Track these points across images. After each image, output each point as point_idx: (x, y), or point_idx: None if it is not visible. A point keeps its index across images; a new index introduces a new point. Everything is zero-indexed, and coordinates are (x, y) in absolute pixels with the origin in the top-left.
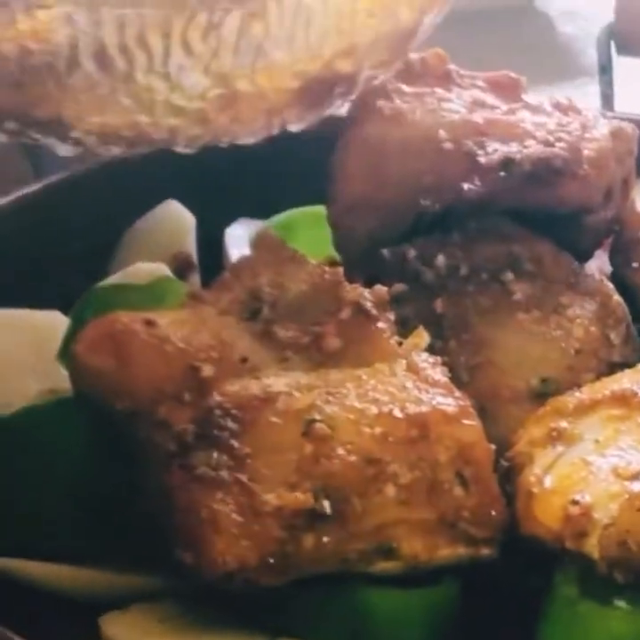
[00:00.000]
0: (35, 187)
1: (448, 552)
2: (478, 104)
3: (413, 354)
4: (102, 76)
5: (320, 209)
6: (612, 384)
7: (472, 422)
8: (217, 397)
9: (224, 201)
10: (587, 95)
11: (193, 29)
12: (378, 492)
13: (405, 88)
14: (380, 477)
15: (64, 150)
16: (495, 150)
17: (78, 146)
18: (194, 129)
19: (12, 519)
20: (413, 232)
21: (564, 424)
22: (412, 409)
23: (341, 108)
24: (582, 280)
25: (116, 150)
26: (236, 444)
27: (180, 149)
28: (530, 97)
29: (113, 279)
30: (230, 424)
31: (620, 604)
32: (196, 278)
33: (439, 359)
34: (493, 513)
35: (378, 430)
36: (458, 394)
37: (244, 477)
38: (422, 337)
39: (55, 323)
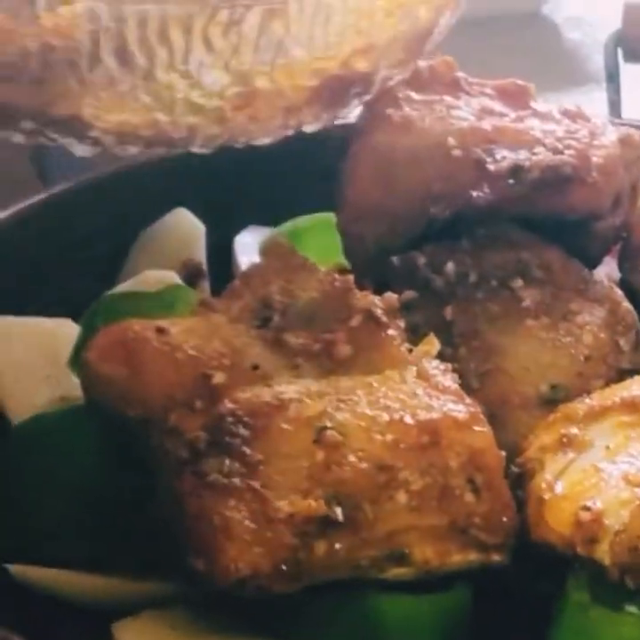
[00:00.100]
0: (41, 196)
1: (459, 558)
2: (487, 111)
3: (424, 361)
4: (123, 73)
5: (329, 216)
6: (621, 391)
7: (483, 429)
8: (228, 404)
9: (233, 208)
10: (593, 102)
11: (214, 26)
12: (389, 499)
13: (414, 95)
14: (391, 484)
15: (81, 150)
16: (504, 157)
17: (96, 145)
18: (212, 128)
19: (23, 526)
20: (423, 239)
21: (574, 430)
22: (423, 416)
23: (352, 114)
24: (591, 287)
25: (133, 150)
26: (247, 450)
27: (196, 149)
28: (538, 104)
29: (123, 287)
30: (242, 431)
31: (632, 609)
32: (205, 286)
33: (449, 366)
34: (504, 519)
35: (389, 437)
36: (468, 400)
37: (256, 484)
38: (432, 344)
39: (66, 331)
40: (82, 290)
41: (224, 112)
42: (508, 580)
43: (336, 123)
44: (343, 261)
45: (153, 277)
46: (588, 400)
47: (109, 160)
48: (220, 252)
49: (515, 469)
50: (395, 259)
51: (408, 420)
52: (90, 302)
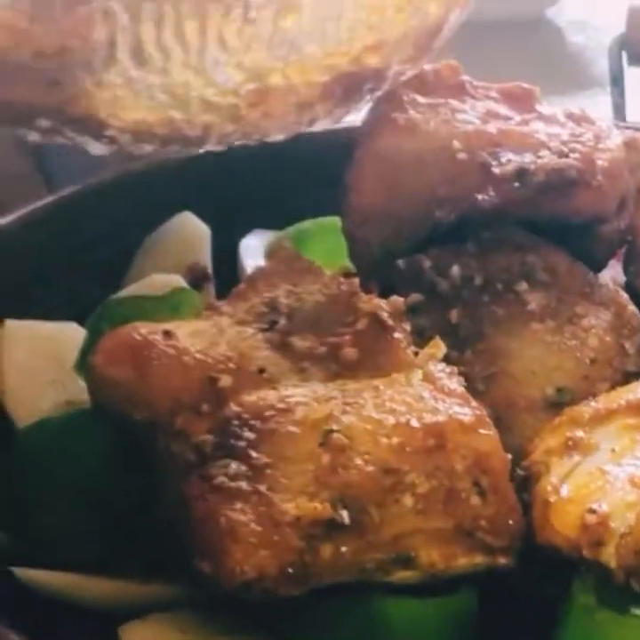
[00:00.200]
0: (47, 200)
1: (465, 561)
2: (492, 115)
3: (429, 364)
4: (139, 72)
5: (335, 220)
6: (627, 393)
7: (488, 432)
8: (235, 408)
9: (238, 212)
10: (598, 105)
11: (228, 23)
12: (395, 502)
13: (419, 99)
14: (397, 487)
15: (97, 148)
16: (509, 161)
17: (112, 144)
18: (226, 125)
19: (29, 529)
20: (428, 242)
21: (580, 433)
22: (429, 419)
23: (357, 118)
24: (597, 290)
25: (148, 148)
26: (254, 454)
27: (211, 147)
28: (543, 107)
29: (129, 290)
30: (248, 434)
31: (638, 612)
32: (211, 289)
33: (455, 369)
34: (510, 522)
35: (395, 440)
36: (474, 403)
37: (262, 487)
38: (438, 347)
39: (72, 334)
40: (87, 293)
41: (238, 109)
42: (514, 583)
43: (341, 126)
44: (349, 265)
45: (159, 281)
46: (593, 403)
47: (115, 164)
48: (226, 255)
49: (520, 472)
50: (400, 262)
51: (414, 423)
52: (95, 306)
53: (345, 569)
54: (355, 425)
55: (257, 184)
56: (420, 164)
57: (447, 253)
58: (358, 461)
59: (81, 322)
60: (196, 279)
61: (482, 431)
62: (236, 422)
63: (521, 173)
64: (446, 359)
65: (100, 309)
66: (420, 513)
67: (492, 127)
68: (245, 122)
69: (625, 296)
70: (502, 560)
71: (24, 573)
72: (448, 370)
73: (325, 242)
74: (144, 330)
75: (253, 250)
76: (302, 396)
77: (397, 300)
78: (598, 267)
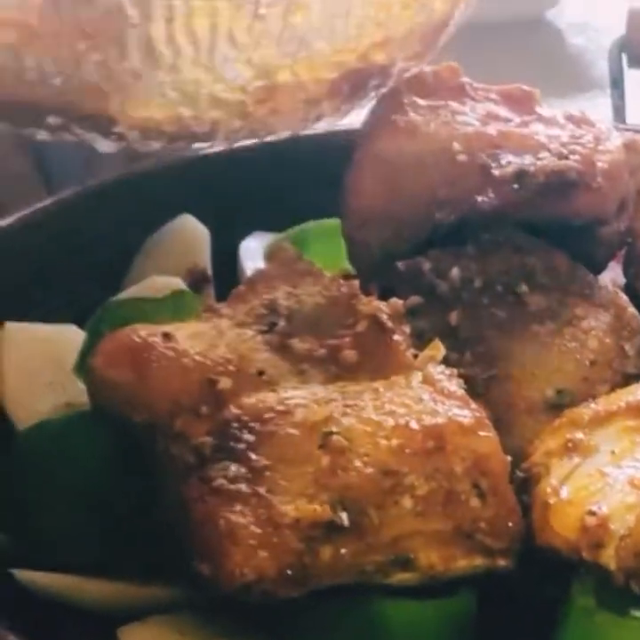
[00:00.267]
0: (46, 201)
1: (464, 563)
2: (492, 116)
3: (429, 366)
4: (149, 69)
5: (334, 222)
6: (627, 395)
7: (488, 433)
8: (234, 410)
9: (238, 214)
10: (598, 107)
11: (239, 20)
12: (395, 504)
13: (419, 101)
14: (396, 489)
15: (105, 146)
16: (509, 162)
17: (120, 141)
18: (234, 122)
19: (28, 532)
20: (428, 244)
21: (579, 435)
22: (429, 421)
23: (358, 118)
24: (597, 292)
25: (156, 145)
26: (253, 456)
27: (218, 144)
28: (543, 109)
29: (128, 293)
30: (247, 436)
31: (638, 614)
32: (210, 291)
33: (455, 371)
34: (510, 524)
35: (394, 442)
36: (474, 405)
37: (261, 489)
38: (438, 349)
39: (71, 336)
40: (87, 295)
41: (246, 106)
42: (514, 585)
43: (341, 128)
44: (348, 267)
45: (158, 283)
46: (593, 405)
47: (116, 165)
48: (226, 257)
49: (520, 474)
50: (400, 264)
51: (413, 425)
52: (95, 308)
53: (344, 571)
54: (354, 427)
55: (257, 186)
56: (420, 165)
57: (447, 255)
58: (358, 463)
59: (80, 324)
60: (196, 281)
61: (481, 433)
62: (235, 424)
63: (521, 175)
64: (446, 361)
65: (99, 311)
66: (420, 515)
67: (492, 129)
68: (253, 118)
69: (625, 298)
70: (502, 562)
71: (24, 575)
72: (448, 372)
73: (325, 244)
74: (143, 332)
75: (253, 252)
76: (302, 398)
77: (397, 302)
78: (598, 268)
